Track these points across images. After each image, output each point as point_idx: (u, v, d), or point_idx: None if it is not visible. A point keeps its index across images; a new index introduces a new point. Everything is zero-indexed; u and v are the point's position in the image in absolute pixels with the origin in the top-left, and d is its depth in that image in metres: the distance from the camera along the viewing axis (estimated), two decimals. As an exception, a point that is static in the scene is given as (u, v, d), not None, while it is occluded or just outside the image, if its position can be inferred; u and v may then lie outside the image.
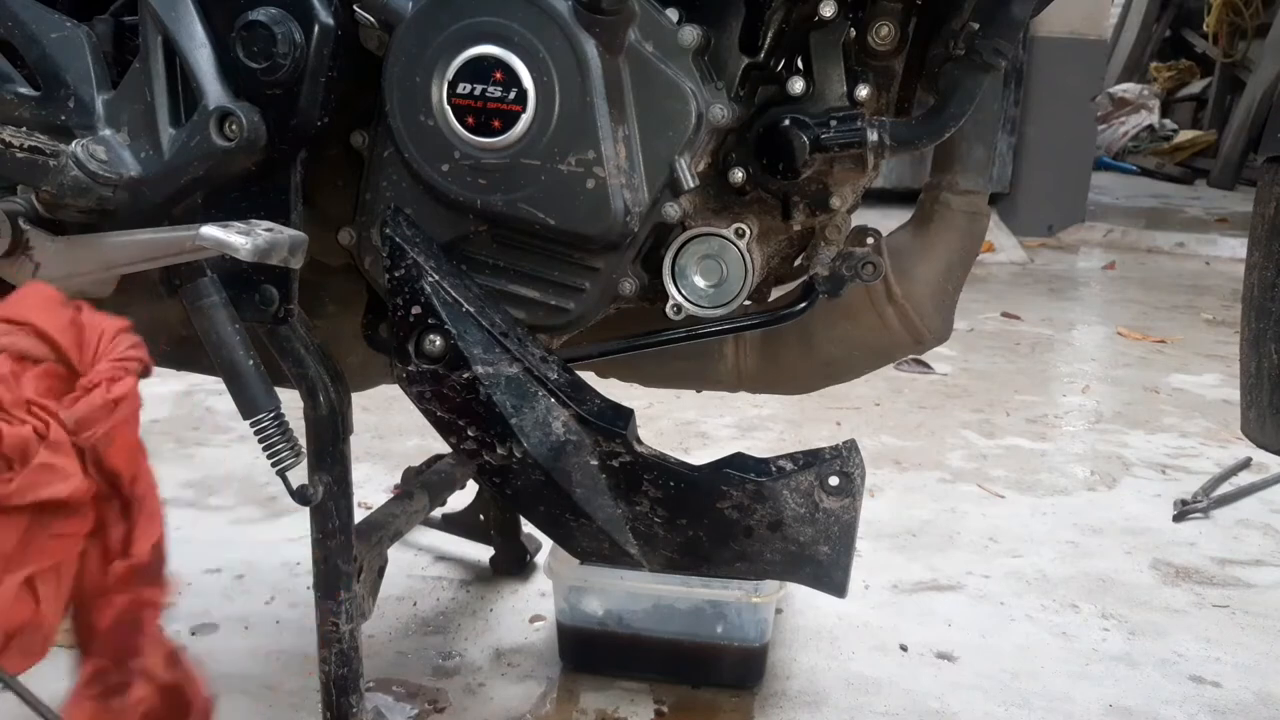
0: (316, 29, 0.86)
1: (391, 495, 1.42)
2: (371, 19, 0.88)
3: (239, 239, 0.80)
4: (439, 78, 0.86)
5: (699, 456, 1.01)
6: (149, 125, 0.89)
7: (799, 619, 1.47)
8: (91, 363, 0.72)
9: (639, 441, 0.90)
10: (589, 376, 0.98)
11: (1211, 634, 1.49)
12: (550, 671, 1.34)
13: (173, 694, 0.73)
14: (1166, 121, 7.56)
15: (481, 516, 1.57)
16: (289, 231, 0.84)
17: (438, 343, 0.89)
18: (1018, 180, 4.88)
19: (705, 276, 0.93)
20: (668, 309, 0.94)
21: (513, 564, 1.58)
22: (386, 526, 1.12)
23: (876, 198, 3.74)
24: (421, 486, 1.24)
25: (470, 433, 0.90)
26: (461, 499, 1.47)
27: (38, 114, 0.91)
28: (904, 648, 1.42)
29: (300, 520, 0.99)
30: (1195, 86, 7.67)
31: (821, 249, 0.97)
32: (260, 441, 0.87)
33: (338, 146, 0.94)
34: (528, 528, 1.57)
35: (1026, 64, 4.65)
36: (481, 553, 1.60)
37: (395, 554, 1.18)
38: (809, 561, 0.90)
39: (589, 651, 1.33)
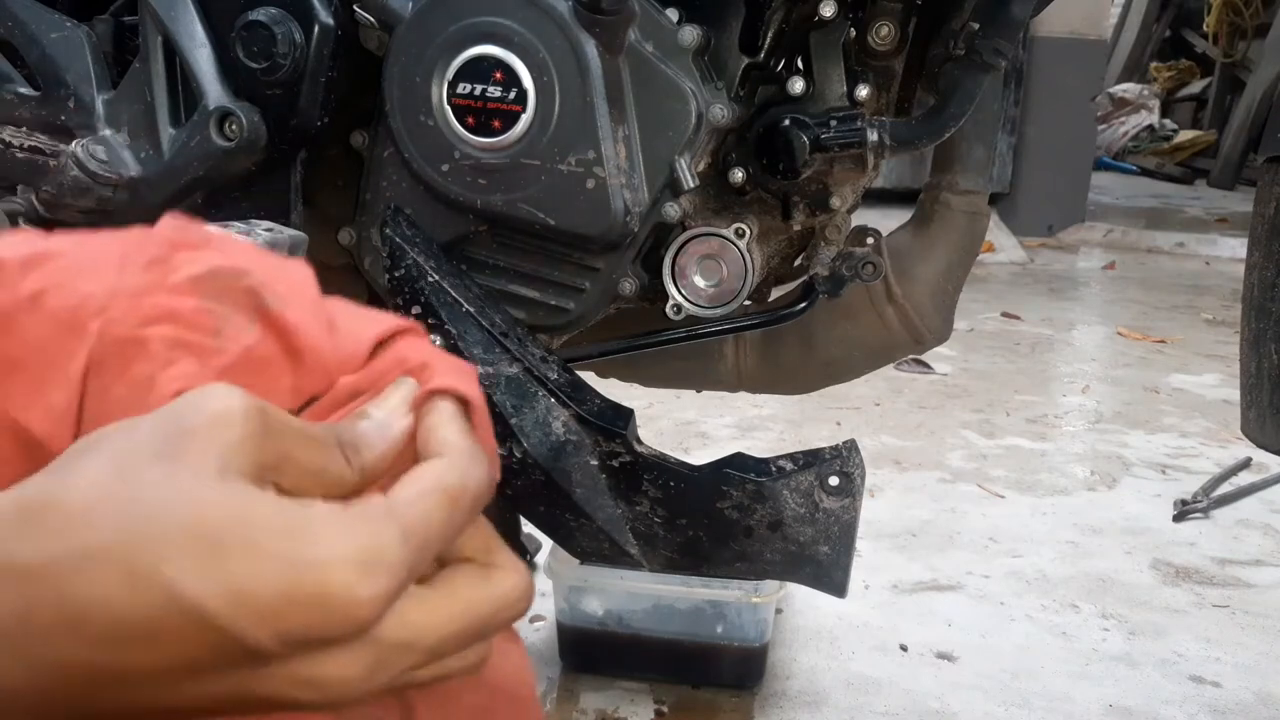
0: (316, 29, 0.86)
1: (391, 495, 1.41)
2: (371, 19, 0.88)
3: (239, 239, 0.80)
4: (439, 78, 0.86)
5: (699, 456, 1.01)
6: (149, 125, 0.89)
7: (799, 619, 1.47)
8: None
9: (639, 441, 0.90)
10: (589, 376, 0.97)
11: (1211, 634, 1.49)
12: (550, 671, 1.34)
13: None
14: (1166, 121, 7.56)
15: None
16: (289, 231, 0.83)
17: (438, 343, 0.89)
18: (1018, 180, 4.88)
19: (705, 276, 0.93)
20: (668, 309, 0.94)
21: (513, 564, 1.58)
22: (386, 526, 1.11)
23: (876, 198, 3.73)
24: (421, 486, 1.24)
25: (470, 433, 0.90)
26: (461, 499, 1.47)
27: (38, 114, 0.91)
28: (904, 648, 1.42)
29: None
30: (1195, 86, 7.66)
31: (821, 249, 0.97)
32: None
33: (338, 146, 0.94)
34: (528, 528, 1.57)
35: (1026, 64, 4.65)
36: (481, 553, 1.60)
37: (395, 554, 1.18)
38: (809, 561, 0.90)
39: (589, 651, 1.33)
